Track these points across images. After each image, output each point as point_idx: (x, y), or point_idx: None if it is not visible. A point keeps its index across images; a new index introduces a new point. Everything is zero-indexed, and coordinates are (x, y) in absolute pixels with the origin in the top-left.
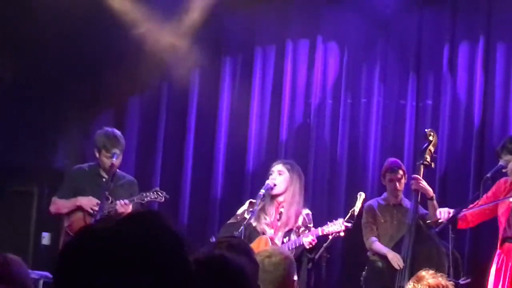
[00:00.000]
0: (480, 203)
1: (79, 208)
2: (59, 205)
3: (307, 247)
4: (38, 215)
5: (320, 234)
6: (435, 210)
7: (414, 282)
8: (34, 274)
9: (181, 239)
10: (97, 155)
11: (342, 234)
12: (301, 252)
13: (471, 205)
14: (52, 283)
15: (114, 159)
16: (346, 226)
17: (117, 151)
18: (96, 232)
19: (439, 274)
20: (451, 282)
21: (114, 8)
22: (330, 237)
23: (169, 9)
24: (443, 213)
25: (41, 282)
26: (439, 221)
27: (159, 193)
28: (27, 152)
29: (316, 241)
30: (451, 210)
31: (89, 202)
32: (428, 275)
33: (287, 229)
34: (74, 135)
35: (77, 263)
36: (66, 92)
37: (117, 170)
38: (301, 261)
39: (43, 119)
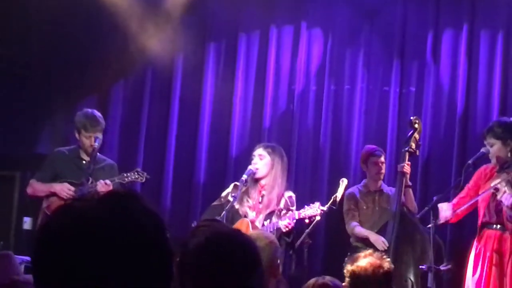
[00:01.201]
0: (463, 194)
1: (54, 194)
2: (36, 188)
3: (284, 230)
4: (20, 200)
5: (297, 217)
6: (411, 197)
7: (349, 263)
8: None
9: (160, 220)
10: (77, 136)
11: (318, 218)
12: (279, 236)
13: (459, 199)
14: (30, 264)
15: (96, 144)
16: (322, 210)
17: (99, 135)
18: (75, 211)
19: (376, 254)
20: (388, 260)
21: None
22: (307, 221)
23: None
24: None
25: (22, 266)
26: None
27: (140, 173)
28: (9, 137)
29: (292, 224)
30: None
31: (62, 188)
32: (362, 256)
33: (268, 211)
34: (58, 121)
35: (56, 243)
36: (50, 78)
37: (98, 153)
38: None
39: (27, 105)
